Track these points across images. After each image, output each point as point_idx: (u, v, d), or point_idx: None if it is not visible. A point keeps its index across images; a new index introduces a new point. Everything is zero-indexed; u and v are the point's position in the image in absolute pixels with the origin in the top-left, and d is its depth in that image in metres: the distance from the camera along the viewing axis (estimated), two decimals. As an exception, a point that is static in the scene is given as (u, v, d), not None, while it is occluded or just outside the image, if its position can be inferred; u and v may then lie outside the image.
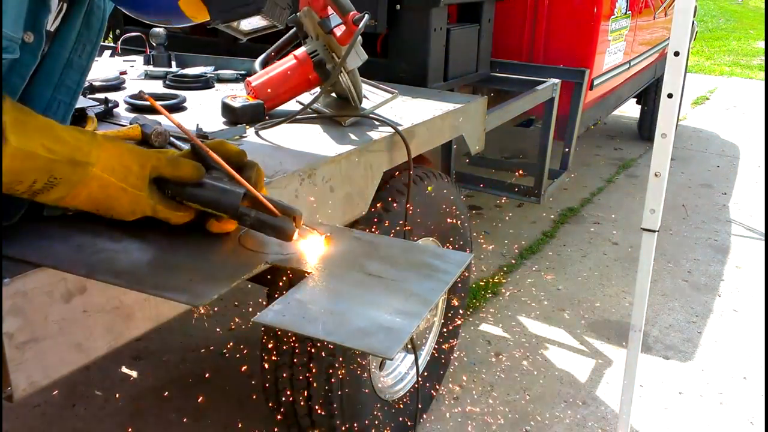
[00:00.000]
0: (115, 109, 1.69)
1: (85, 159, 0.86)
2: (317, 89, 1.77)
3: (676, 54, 1.60)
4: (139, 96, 1.83)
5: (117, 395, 2.34)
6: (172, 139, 1.43)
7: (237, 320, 2.79)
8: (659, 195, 1.73)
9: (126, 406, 2.29)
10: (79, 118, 1.51)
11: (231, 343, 2.65)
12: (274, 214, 0.95)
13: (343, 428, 1.74)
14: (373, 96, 1.80)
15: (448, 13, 2.32)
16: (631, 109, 6.11)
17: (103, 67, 2.35)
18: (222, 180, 0.96)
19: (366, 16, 1.60)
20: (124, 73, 2.24)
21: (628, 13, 3.58)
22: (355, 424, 1.78)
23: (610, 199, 4.54)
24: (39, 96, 1.04)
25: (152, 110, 1.74)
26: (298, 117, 1.69)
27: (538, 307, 3.04)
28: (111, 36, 3.06)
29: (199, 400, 2.33)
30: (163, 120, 1.64)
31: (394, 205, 1.73)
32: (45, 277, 0.87)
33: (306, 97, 1.79)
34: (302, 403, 1.70)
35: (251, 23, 1.09)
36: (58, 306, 0.89)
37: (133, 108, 1.74)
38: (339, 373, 1.64)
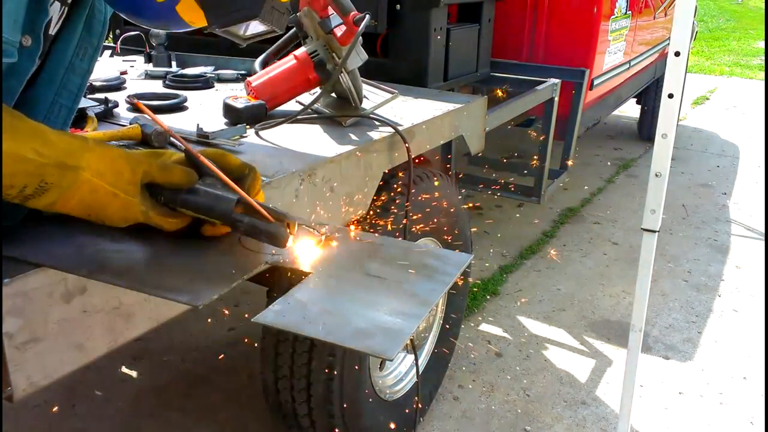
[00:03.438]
0: (115, 109, 1.69)
1: (75, 163, 0.85)
2: (317, 89, 1.77)
3: (677, 54, 1.60)
4: (140, 96, 1.84)
5: (117, 395, 2.34)
6: (172, 139, 1.43)
7: (237, 320, 2.79)
8: (660, 195, 1.73)
9: (126, 406, 2.29)
10: (80, 118, 1.51)
11: (231, 343, 2.65)
12: (267, 221, 0.94)
13: (343, 428, 1.74)
14: (373, 96, 1.80)
15: (448, 13, 2.32)
16: (631, 109, 6.11)
17: (104, 67, 2.35)
18: (215, 186, 0.95)
19: (367, 16, 1.60)
20: (124, 73, 2.24)
21: (628, 13, 3.58)
22: (355, 424, 1.78)
23: (610, 199, 4.54)
24: (41, 99, 1.04)
25: (153, 110, 1.75)
26: (298, 117, 1.69)
27: (538, 307, 3.04)
28: (111, 36, 3.06)
29: (199, 400, 2.33)
30: (164, 120, 1.64)
31: (394, 205, 1.73)
32: (45, 277, 0.87)
33: (306, 97, 1.79)
34: (302, 403, 1.70)
35: (250, 28, 1.09)
36: (58, 306, 0.89)
37: (134, 108, 1.74)
38: (339, 373, 1.64)
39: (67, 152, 0.85)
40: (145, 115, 1.56)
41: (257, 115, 1.66)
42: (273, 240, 0.94)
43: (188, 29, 1.04)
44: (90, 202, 0.89)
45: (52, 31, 1.01)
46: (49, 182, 0.84)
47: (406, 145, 1.62)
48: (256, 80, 1.77)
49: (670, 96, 1.64)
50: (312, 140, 1.56)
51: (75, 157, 0.86)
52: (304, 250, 0.98)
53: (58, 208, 0.88)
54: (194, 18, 1.01)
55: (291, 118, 1.67)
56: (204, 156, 0.98)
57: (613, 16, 3.30)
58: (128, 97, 1.79)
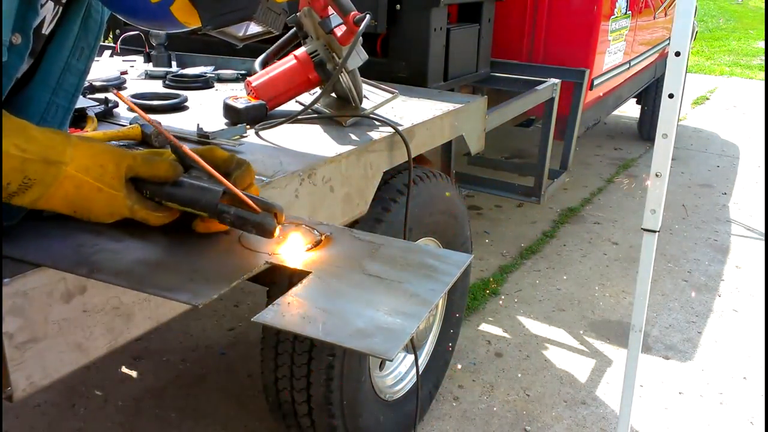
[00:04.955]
0: (115, 109, 1.69)
1: (58, 158, 0.85)
2: (317, 89, 1.76)
3: (677, 54, 1.60)
4: (140, 96, 1.84)
5: (117, 395, 2.34)
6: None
7: (237, 320, 2.79)
8: (660, 195, 1.73)
9: (126, 406, 2.29)
10: (79, 118, 1.52)
11: (231, 343, 2.65)
12: (254, 211, 0.94)
13: (343, 428, 1.74)
14: (373, 96, 1.80)
15: (448, 13, 2.32)
16: (631, 109, 6.11)
17: (104, 67, 2.35)
18: (201, 179, 0.95)
19: (367, 16, 1.60)
20: (124, 73, 2.24)
21: (628, 13, 3.58)
22: (355, 424, 1.78)
23: (610, 199, 4.54)
24: (37, 100, 1.04)
25: (152, 110, 1.75)
26: (298, 117, 1.69)
27: (538, 307, 3.04)
28: (111, 36, 3.06)
29: (199, 400, 2.33)
30: (164, 120, 1.64)
31: (394, 204, 1.73)
32: (45, 277, 0.87)
33: (306, 97, 1.79)
34: (302, 403, 1.70)
35: (245, 29, 1.08)
36: (58, 306, 0.89)
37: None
38: (339, 373, 1.64)
39: (49, 147, 0.85)
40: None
41: (257, 115, 1.66)
42: (260, 230, 0.93)
43: (183, 30, 1.04)
44: (75, 197, 0.88)
45: (46, 30, 1.01)
46: (33, 178, 0.83)
47: (406, 144, 1.62)
48: (256, 80, 1.77)
49: (670, 96, 1.64)
50: (312, 140, 1.56)
51: (58, 152, 0.85)
52: (303, 250, 0.98)
53: (42, 204, 0.87)
54: (189, 18, 1.01)
55: (291, 118, 1.67)
56: (193, 151, 0.97)
57: (613, 16, 3.30)
58: (114, 90, 1.78)
